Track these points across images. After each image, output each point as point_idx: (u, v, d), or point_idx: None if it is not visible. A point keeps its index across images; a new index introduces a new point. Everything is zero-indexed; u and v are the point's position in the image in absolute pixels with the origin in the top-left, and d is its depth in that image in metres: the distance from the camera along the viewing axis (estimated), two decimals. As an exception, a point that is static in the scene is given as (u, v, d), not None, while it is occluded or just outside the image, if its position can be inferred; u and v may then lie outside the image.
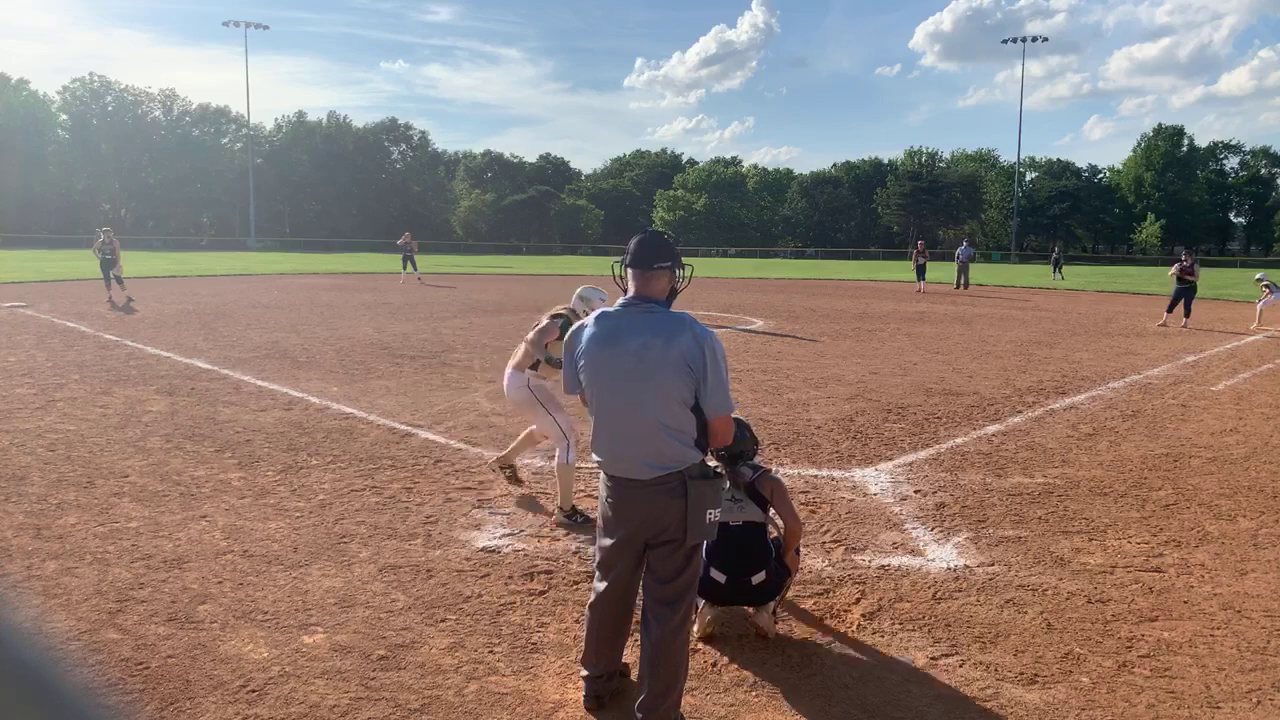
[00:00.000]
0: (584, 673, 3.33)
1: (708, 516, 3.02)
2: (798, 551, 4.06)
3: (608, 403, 3.01)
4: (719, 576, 3.81)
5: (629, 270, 3.06)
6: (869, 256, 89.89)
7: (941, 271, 39.20)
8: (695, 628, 3.77)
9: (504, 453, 5.98)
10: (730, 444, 3.05)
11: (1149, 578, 4.66)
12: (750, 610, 3.94)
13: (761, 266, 59.27)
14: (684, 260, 3.14)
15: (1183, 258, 19.03)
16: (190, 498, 5.72)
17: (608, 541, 3.15)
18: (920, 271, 30.17)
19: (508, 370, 5.63)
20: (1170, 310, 18.67)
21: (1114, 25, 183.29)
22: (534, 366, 5.52)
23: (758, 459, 4.18)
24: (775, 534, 4.06)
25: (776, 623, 3.94)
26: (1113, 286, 35.71)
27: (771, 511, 3.96)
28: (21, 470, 6.26)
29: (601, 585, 3.22)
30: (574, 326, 3.18)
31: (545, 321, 5.52)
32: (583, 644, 3.37)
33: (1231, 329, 18.35)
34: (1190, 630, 4.02)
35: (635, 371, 2.94)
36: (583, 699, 3.29)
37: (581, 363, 3.06)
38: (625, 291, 3.11)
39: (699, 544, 3.15)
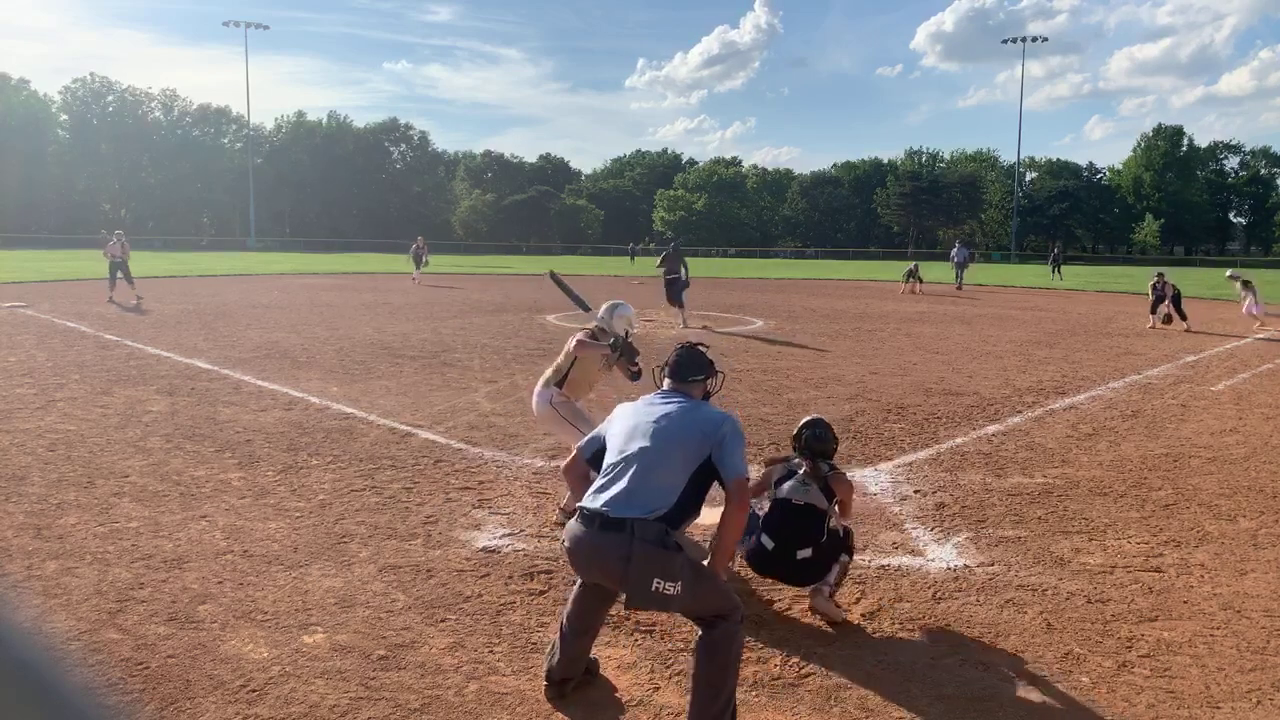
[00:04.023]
0: (545, 665, 3.39)
1: (654, 585, 2.91)
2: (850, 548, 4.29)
3: (617, 448, 3.23)
4: (768, 543, 4.02)
5: (667, 380, 3.48)
6: (869, 256, 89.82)
7: (938, 272, 39.17)
8: None
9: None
10: (754, 497, 3.33)
11: (1149, 578, 4.66)
12: (807, 596, 4.14)
13: (762, 266, 59.26)
14: (717, 371, 3.58)
15: (1155, 282, 18.76)
16: (190, 498, 5.72)
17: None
18: (911, 275, 30.31)
19: (536, 388, 5.64)
20: (1153, 312, 18.58)
21: (1115, 25, 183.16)
22: (559, 383, 5.49)
23: (836, 459, 4.51)
24: (837, 525, 4.25)
25: (840, 606, 4.11)
26: (1113, 286, 35.71)
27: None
28: (21, 470, 6.26)
29: (571, 594, 3.42)
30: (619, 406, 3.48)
31: (575, 343, 5.44)
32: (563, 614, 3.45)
33: (1231, 329, 18.35)
34: (1190, 630, 4.02)
35: (653, 424, 3.22)
36: (544, 689, 3.35)
37: (612, 424, 3.37)
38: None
39: (699, 583, 3.03)
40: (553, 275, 6.44)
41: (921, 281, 29.96)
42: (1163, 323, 18.27)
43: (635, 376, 5.48)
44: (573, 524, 3.15)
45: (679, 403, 3.32)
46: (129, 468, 6.40)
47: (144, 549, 4.79)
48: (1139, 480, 6.57)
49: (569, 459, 3.53)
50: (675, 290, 17.95)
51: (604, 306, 5.70)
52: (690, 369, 3.47)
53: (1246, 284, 19.66)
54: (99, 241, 21.18)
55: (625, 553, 2.95)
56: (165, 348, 12.77)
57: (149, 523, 5.22)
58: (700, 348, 3.58)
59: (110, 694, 3.32)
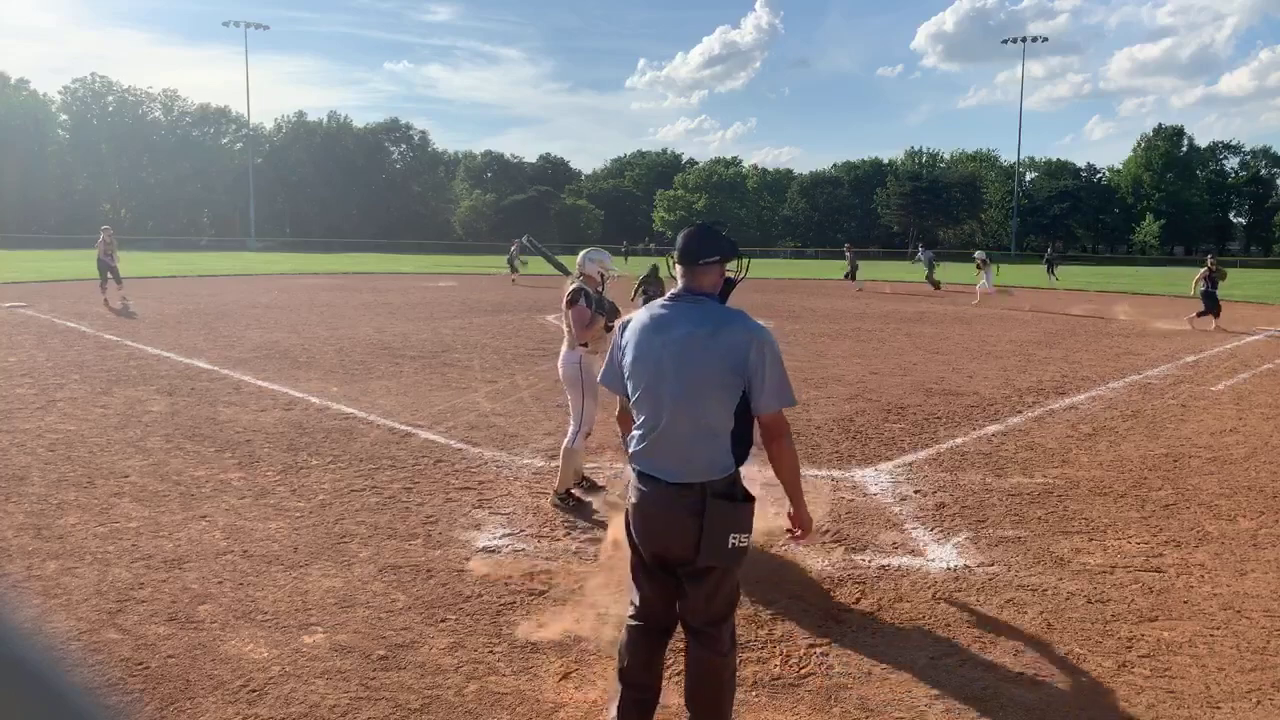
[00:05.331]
0: (619, 688, 3.04)
1: (730, 541, 2.74)
2: None
3: (645, 393, 2.85)
4: None
5: (678, 267, 2.92)
6: (869, 256, 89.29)
7: (906, 272, 39.10)
8: None
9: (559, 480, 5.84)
10: (783, 442, 2.87)
11: (1149, 578, 4.66)
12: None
13: (762, 267, 59.25)
14: (741, 253, 3.02)
15: (1210, 264, 19.00)
16: (190, 498, 5.73)
17: (633, 552, 2.99)
18: (852, 272, 31.37)
19: (562, 350, 5.87)
20: (1207, 314, 18.34)
21: (1115, 26, 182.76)
22: (585, 344, 5.71)
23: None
24: None
25: None
26: (1112, 286, 35.70)
27: None
28: (21, 470, 6.26)
29: (631, 605, 3.04)
30: (621, 319, 3.09)
31: (572, 312, 5.64)
32: (620, 655, 3.06)
33: (1232, 329, 18.34)
34: (1190, 630, 4.02)
35: (676, 361, 2.78)
36: (617, 711, 3.04)
37: (626, 354, 2.93)
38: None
39: (728, 570, 2.85)
40: (530, 240, 6.48)
41: (854, 279, 30.85)
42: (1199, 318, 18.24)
43: (609, 330, 5.65)
44: (635, 484, 2.89)
45: (694, 324, 2.81)
46: (129, 468, 6.40)
47: (144, 549, 4.79)
48: (1139, 480, 6.57)
49: (620, 410, 3.12)
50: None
51: (581, 254, 5.96)
52: (703, 249, 2.87)
53: (984, 264, 24.66)
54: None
55: (698, 506, 2.75)
56: (165, 348, 12.76)
57: (149, 523, 5.22)
58: (716, 225, 3.05)
59: (110, 694, 3.32)
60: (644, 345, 2.87)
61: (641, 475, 2.87)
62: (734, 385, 2.79)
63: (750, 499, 2.86)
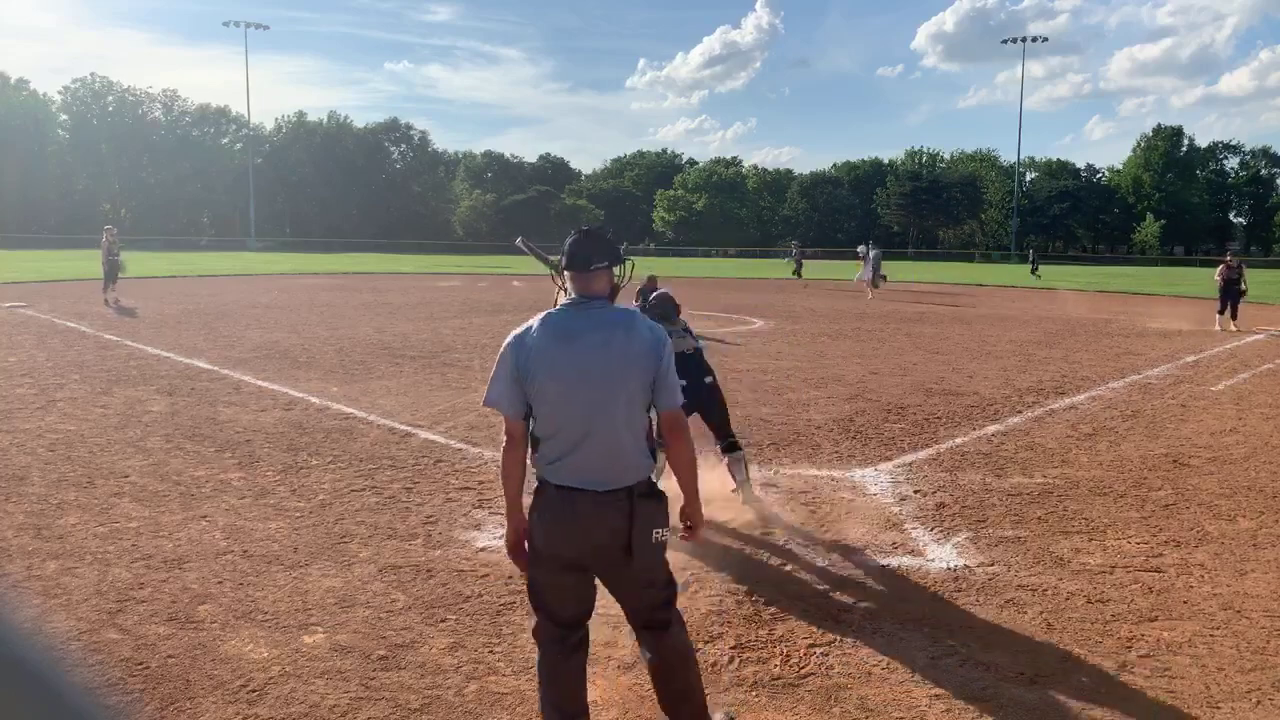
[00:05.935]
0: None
1: (654, 536, 2.79)
2: None
3: (563, 405, 2.76)
4: (683, 380, 3.68)
5: (567, 273, 2.88)
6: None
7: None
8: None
9: None
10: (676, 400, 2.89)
11: (1149, 578, 4.66)
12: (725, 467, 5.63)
13: (761, 267, 59.26)
14: (626, 255, 3.01)
15: (1228, 259, 19.04)
16: (190, 498, 5.73)
17: (544, 568, 2.83)
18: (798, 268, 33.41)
19: None
20: (1222, 312, 18.38)
21: (1115, 26, 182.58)
22: None
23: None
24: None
25: (751, 485, 5.62)
26: (1112, 286, 35.71)
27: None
28: (21, 470, 6.26)
29: (542, 630, 2.89)
30: (516, 331, 2.91)
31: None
32: (550, 687, 2.86)
33: (1231, 329, 18.33)
34: (1190, 630, 4.02)
35: (597, 368, 2.73)
36: None
37: (530, 371, 2.76)
38: (565, 292, 2.94)
39: (657, 561, 2.87)
40: (523, 241, 6.43)
41: (800, 275, 32.28)
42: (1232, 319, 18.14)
43: None
44: (553, 499, 2.77)
45: (605, 329, 2.77)
46: (129, 468, 6.40)
47: (144, 549, 4.79)
48: (1139, 480, 6.57)
49: (510, 435, 2.89)
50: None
51: None
52: (595, 253, 2.84)
53: (866, 258, 27.14)
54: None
55: (627, 509, 2.74)
56: (165, 348, 12.77)
57: (149, 523, 5.22)
58: (600, 229, 3.00)
59: (110, 694, 3.32)
60: (555, 358, 2.76)
61: (560, 489, 2.76)
62: (649, 385, 2.81)
63: (665, 496, 2.92)
